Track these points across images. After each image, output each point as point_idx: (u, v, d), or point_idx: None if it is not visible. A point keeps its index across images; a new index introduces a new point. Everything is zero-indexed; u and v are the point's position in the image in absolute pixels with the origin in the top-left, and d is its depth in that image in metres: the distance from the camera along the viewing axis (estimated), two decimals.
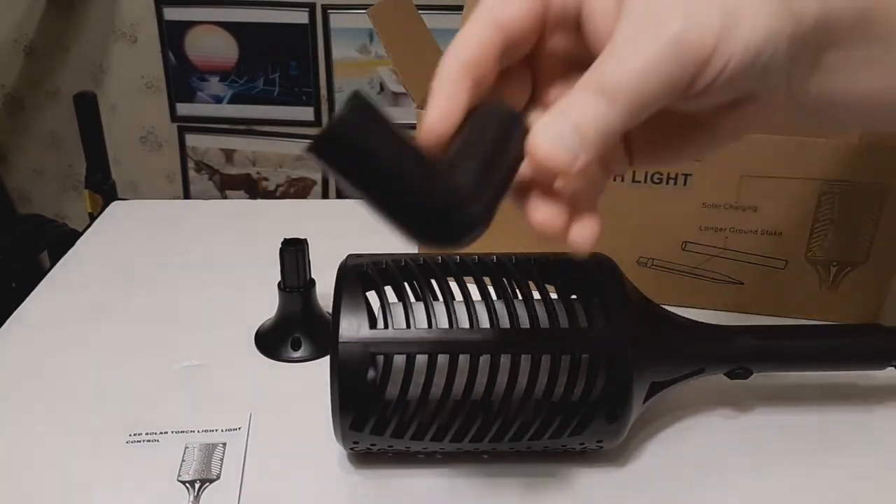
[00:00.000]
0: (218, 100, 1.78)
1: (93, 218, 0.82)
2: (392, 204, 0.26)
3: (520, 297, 0.45)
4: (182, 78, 1.76)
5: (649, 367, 0.45)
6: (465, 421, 0.43)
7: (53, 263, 0.73)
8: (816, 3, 0.29)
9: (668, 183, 0.59)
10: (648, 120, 0.29)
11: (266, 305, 0.60)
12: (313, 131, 1.78)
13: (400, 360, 0.42)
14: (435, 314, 0.43)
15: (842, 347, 0.51)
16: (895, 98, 0.32)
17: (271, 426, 0.51)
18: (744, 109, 0.31)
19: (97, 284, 0.68)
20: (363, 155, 0.24)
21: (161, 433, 0.50)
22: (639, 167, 0.34)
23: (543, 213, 0.30)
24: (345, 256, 0.47)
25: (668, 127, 0.33)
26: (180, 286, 0.68)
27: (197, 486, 0.46)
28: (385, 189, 0.25)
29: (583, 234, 0.31)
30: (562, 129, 0.27)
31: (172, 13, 1.71)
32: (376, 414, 0.43)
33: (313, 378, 0.54)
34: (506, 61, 0.31)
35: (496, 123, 0.29)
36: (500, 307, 0.44)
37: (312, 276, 0.59)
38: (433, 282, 0.45)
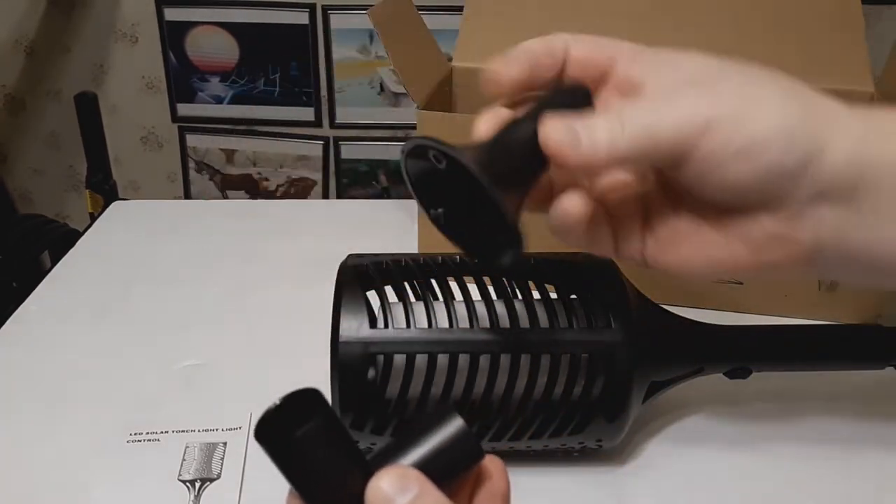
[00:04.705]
0: (219, 100, 1.78)
1: (93, 218, 0.82)
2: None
3: (520, 297, 0.45)
4: (183, 78, 1.76)
5: (648, 366, 0.45)
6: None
7: (54, 263, 0.73)
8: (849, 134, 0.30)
9: None
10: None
11: (267, 305, 0.60)
12: (314, 131, 1.77)
13: (400, 359, 0.42)
14: (435, 314, 0.43)
15: (841, 347, 0.50)
16: None
17: None
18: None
19: (97, 284, 0.68)
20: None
21: (161, 433, 0.50)
22: (655, 255, 0.35)
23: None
24: (345, 256, 0.47)
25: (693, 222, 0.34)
26: (180, 286, 0.68)
27: (197, 485, 0.46)
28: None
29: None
30: (572, 122, 0.31)
31: (173, 14, 1.70)
32: (376, 413, 0.43)
33: (313, 377, 0.54)
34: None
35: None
36: (500, 307, 0.44)
37: (313, 275, 0.58)
38: (433, 281, 0.45)
